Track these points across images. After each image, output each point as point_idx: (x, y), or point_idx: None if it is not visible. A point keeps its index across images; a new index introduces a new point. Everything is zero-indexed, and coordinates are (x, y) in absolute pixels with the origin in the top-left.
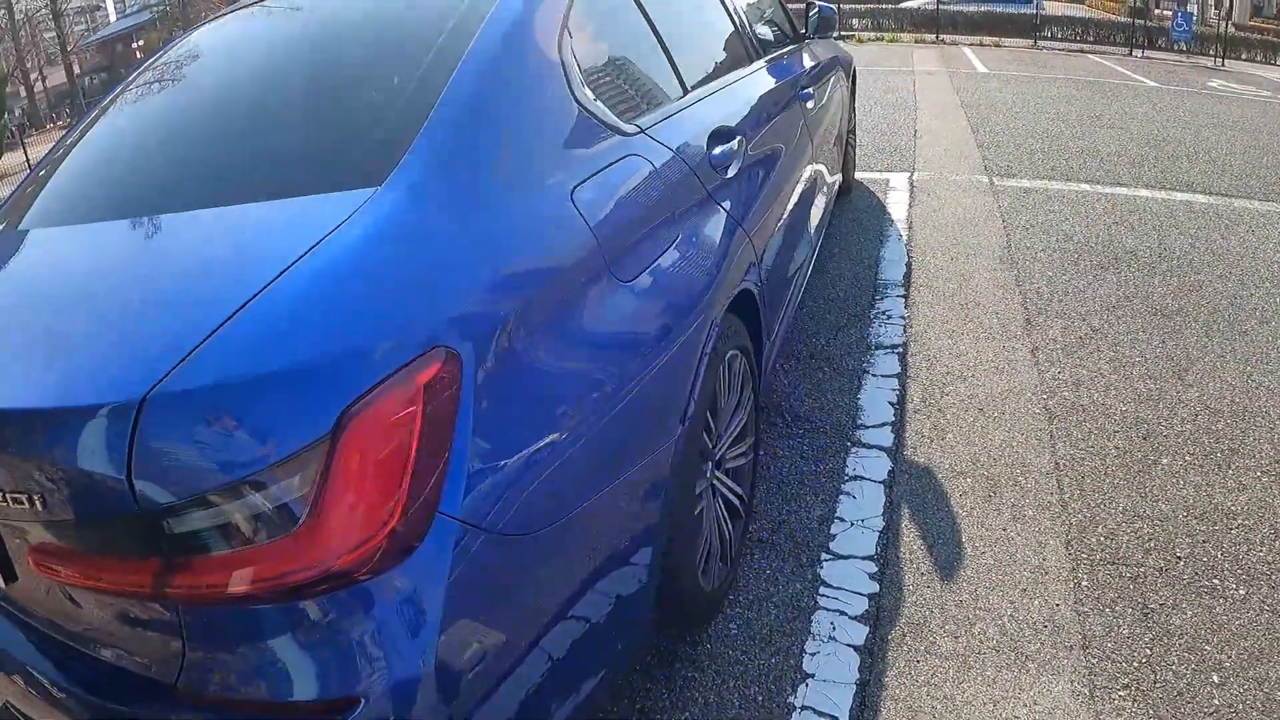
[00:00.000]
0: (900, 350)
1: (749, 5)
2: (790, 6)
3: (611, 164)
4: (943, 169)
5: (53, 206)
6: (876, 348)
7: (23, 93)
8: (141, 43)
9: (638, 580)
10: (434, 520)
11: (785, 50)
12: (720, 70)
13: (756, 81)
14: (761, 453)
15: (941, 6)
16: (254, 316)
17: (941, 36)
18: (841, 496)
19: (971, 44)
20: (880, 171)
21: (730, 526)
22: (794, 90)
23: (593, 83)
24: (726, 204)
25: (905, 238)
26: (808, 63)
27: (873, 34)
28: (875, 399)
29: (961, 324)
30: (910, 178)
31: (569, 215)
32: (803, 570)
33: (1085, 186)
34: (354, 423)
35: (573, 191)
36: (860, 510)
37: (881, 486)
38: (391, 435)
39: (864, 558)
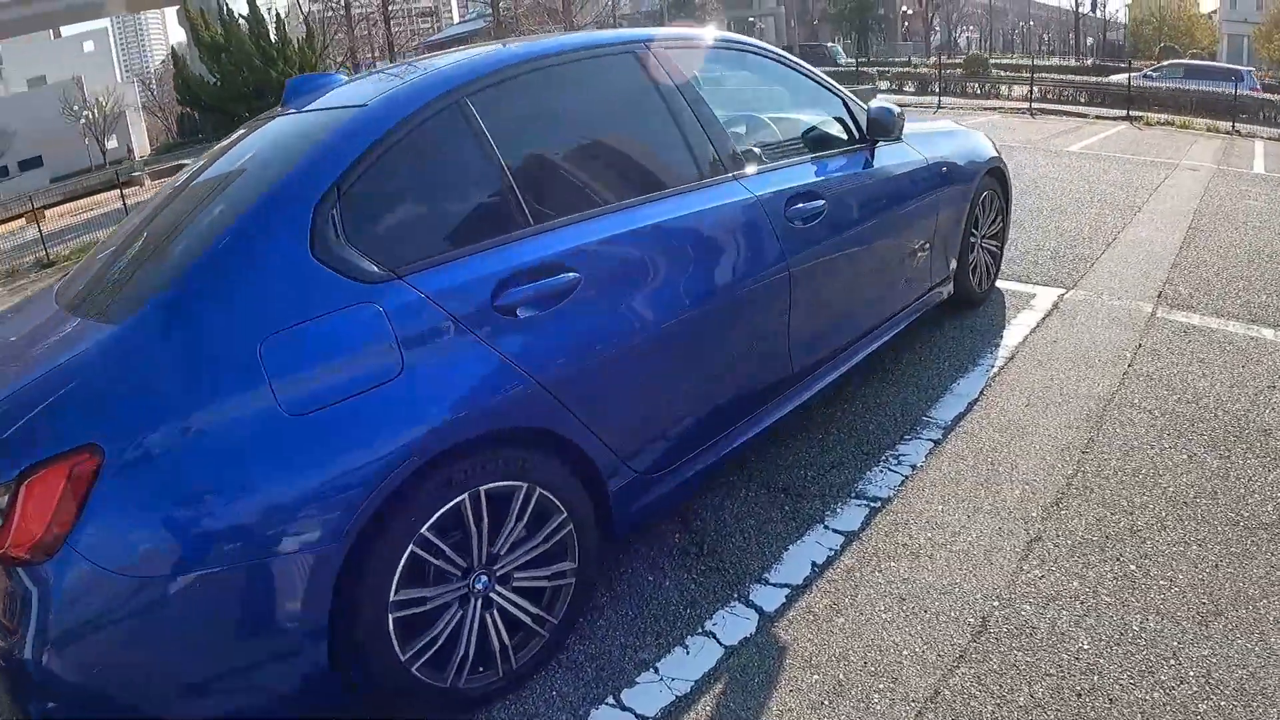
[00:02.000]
0: (878, 506)
1: (750, 112)
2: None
3: (325, 314)
4: (1107, 289)
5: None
6: (855, 497)
7: None
8: None
9: (278, 651)
10: (62, 546)
11: (811, 157)
12: (615, 194)
13: (671, 206)
14: (651, 578)
15: (1151, 83)
16: (4, 404)
17: (1237, 126)
18: (678, 648)
19: (1270, 136)
20: (1033, 284)
21: (507, 638)
22: (756, 209)
23: (360, 233)
24: (506, 345)
25: (996, 370)
26: (852, 171)
27: (1163, 117)
28: (802, 555)
29: (973, 489)
30: (1060, 296)
31: (248, 358)
32: (578, 708)
33: (1268, 333)
34: (27, 478)
35: (264, 339)
36: (682, 669)
37: (723, 651)
38: (46, 490)
39: (638, 716)
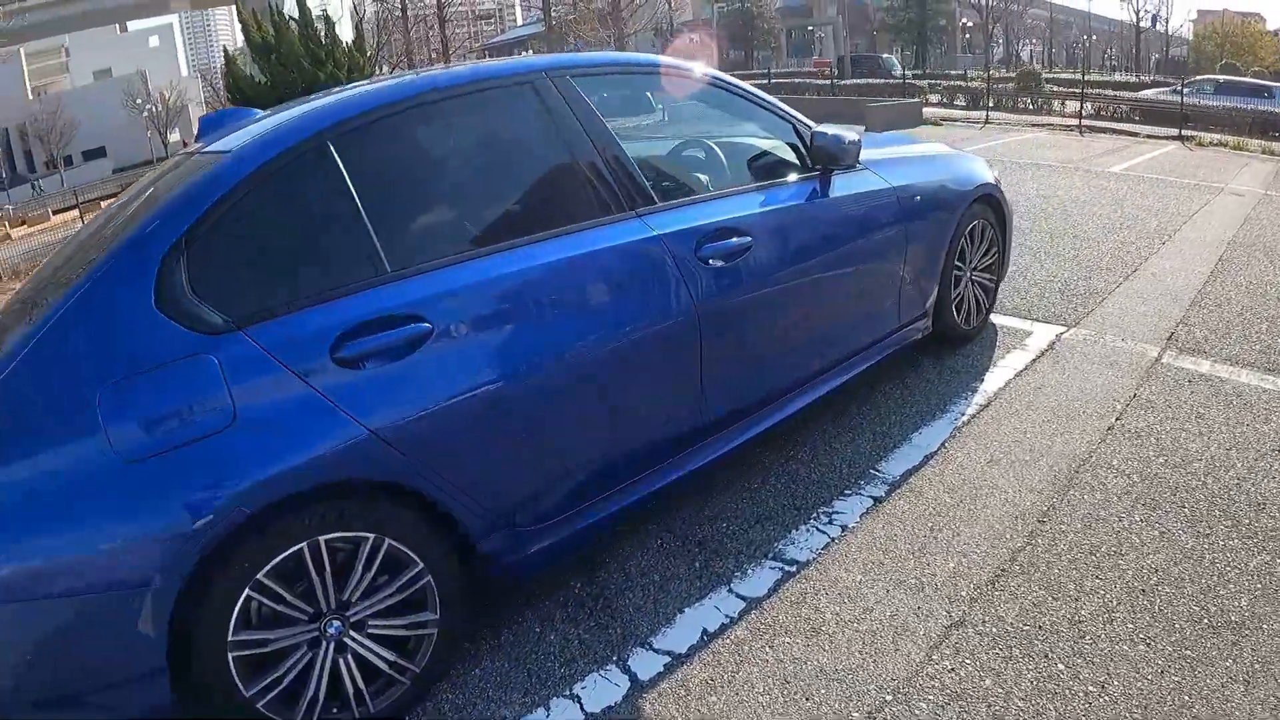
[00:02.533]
0: (793, 570)
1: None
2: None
3: (163, 364)
4: (1112, 328)
5: None
6: (771, 558)
7: None
8: (529, 51)
9: (114, 681)
10: None
11: (742, 189)
12: (489, 238)
13: (550, 249)
14: (538, 629)
15: (1178, 97)
16: None
17: None
18: (540, 709)
19: None
20: (1032, 320)
21: (363, 683)
22: (657, 248)
23: (206, 285)
24: (344, 398)
25: (965, 420)
26: (792, 204)
27: (1217, 137)
28: (696, 620)
29: (902, 559)
30: (1059, 334)
31: (87, 404)
32: None
33: None
34: None
35: (103, 386)
36: None
37: (583, 718)
38: None
39: None
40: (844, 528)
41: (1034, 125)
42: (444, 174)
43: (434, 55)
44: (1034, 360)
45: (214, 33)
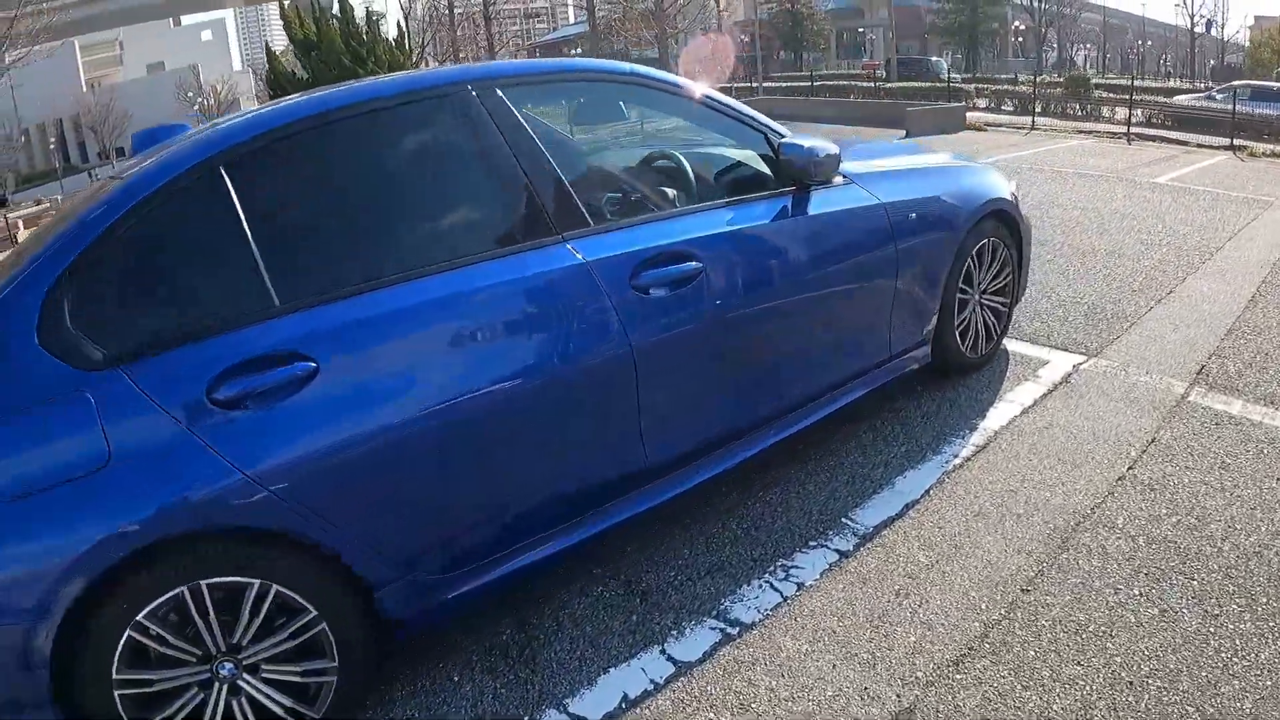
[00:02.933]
0: (734, 634)
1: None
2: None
3: (40, 401)
4: (1137, 359)
5: None
6: (714, 617)
7: None
8: (579, 50)
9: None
10: None
11: (696, 209)
12: (389, 268)
13: (454, 280)
14: (456, 678)
15: (1214, 103)
16: None
17: None
18: None
19: None
20: (1049, 346)
21: None
22: (582, 277)
23: (88, 320)
24: (221, 441)
25: (957, 463)
26: (755, 223)
27: (1271, 147)
28: (619, 683)
29: (857, 629)
30: (1076, 364)
31: None
32: None
33: None
34: None
35: None
36: None
37: None
38: None
39: None
40: (800, 585)
41: (1081, 132)
42: (344, 200)
43: (481, 52)
44: (1045, 395)
45: (267, 27)
